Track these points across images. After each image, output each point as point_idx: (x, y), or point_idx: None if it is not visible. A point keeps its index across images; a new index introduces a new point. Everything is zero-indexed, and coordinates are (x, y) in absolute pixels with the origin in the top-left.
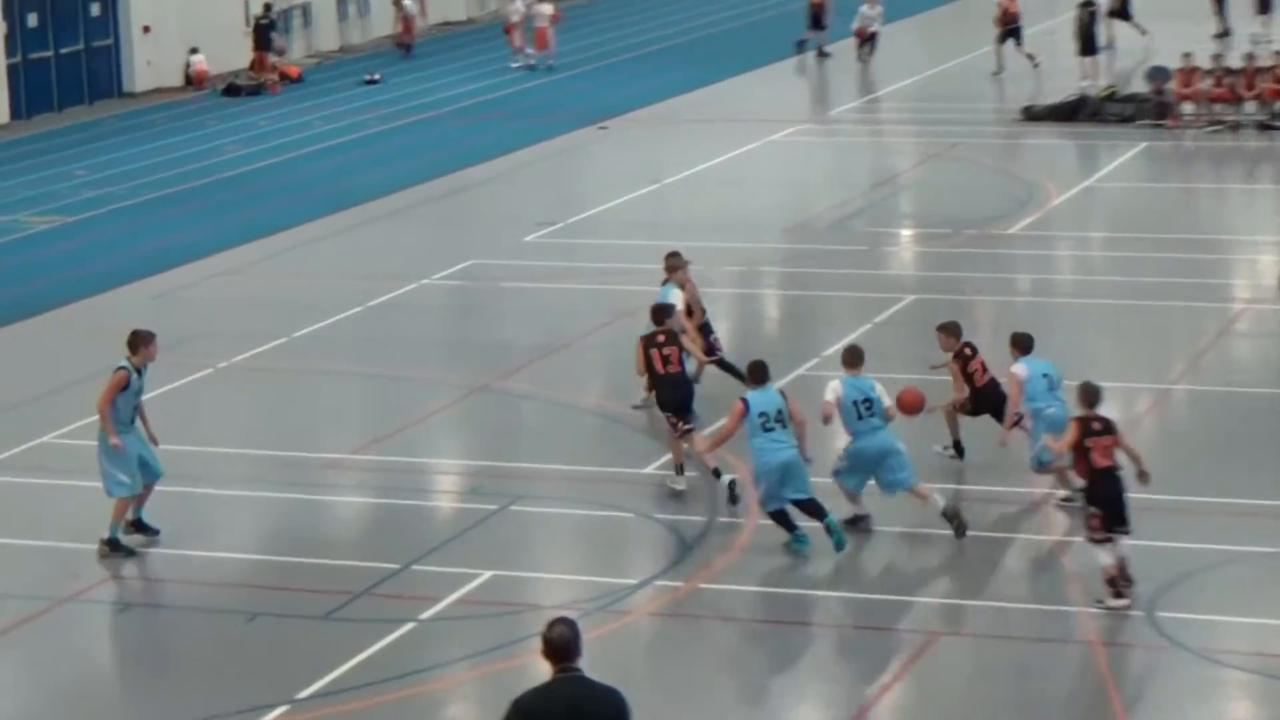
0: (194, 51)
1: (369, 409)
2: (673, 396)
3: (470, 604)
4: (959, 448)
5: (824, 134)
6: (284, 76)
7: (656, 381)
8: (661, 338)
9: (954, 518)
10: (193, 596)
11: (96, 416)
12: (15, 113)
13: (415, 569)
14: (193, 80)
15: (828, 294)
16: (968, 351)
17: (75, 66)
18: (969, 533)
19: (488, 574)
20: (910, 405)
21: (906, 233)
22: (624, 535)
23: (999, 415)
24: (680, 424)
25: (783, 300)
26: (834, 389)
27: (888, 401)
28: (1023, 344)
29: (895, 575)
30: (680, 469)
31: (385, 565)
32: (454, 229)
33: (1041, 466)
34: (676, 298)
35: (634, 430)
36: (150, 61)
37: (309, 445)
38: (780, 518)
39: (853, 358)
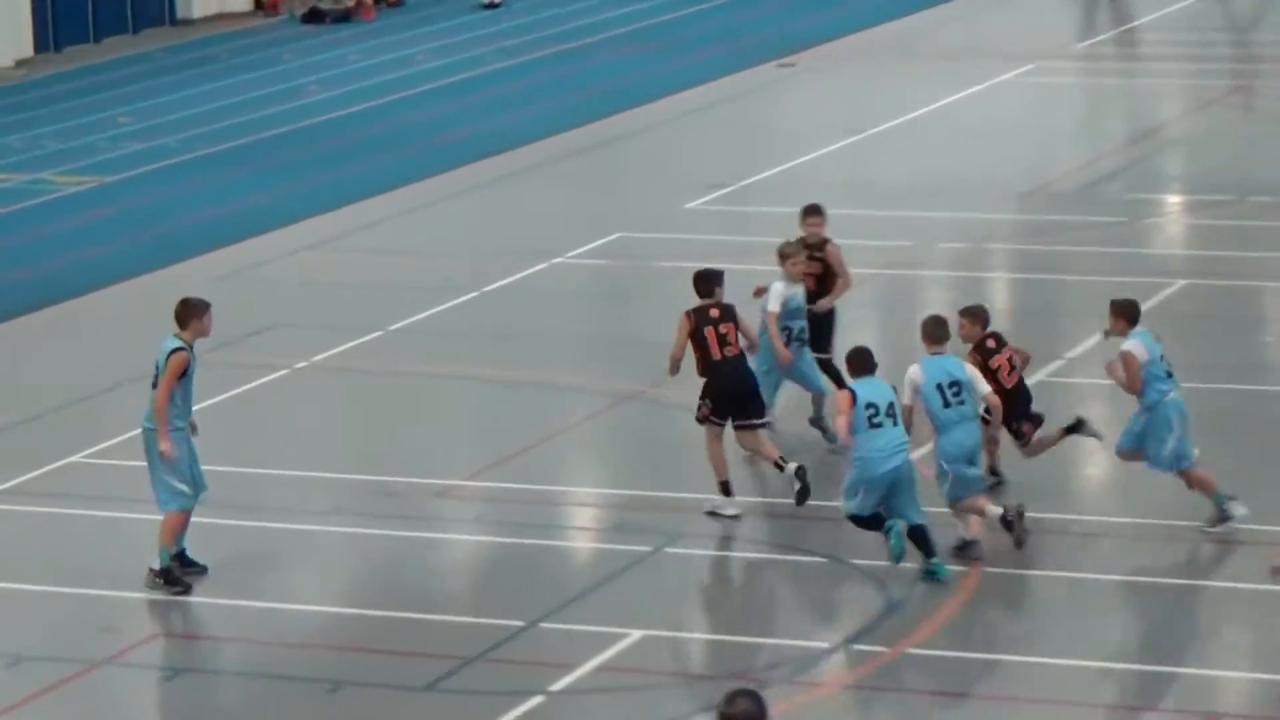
0: None
1: (488, 423)
2: (733, 387)
3: (615, 672)
4: (995, 473)
5: (1070, 73)
6: None
7: (709, 368)
8: (715, 312)
9: (1017, 520)
10: (259, 660)
11: (138, 431)
12: (41, 44)
13: (545, 627)
14: (264, 4)
15: (1073, 279)
16: (991, 344)
17: None
18: None
19: (637, 634)
20: None
21: (1174, 200)
22: (812, 585)
23: (1018, 425)
24: (743, 420)
25: (1016, 287)
26: (913, 379)
27: (984, 386)
28: (1129, 313)
29: (1164, 634)
30: (727, 488)
31: (506, 622)
32: (597, 193)
33: (1180, 464)
34: (777, 297)
35: (822, 450)
36: None
37: (411, 468)
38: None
39: (938, 330)
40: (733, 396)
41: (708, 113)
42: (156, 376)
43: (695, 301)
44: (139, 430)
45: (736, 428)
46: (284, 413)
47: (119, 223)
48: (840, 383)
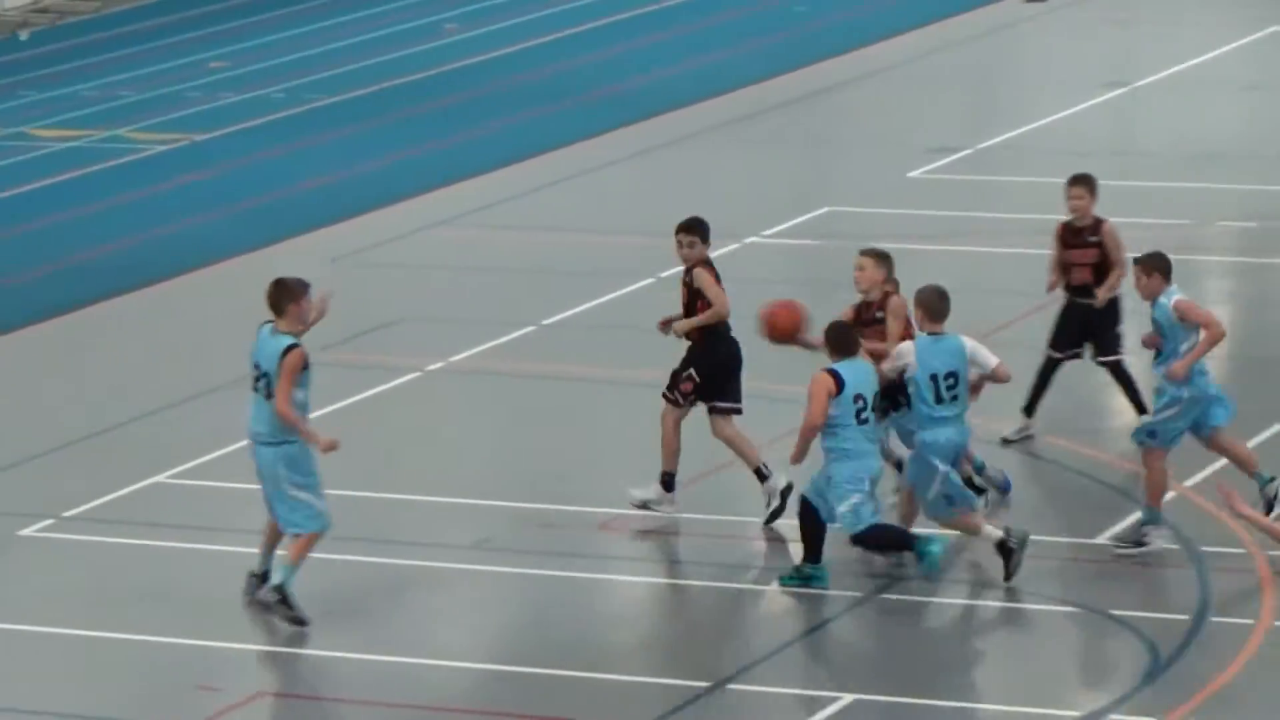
0: None
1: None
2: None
3: None
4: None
5: None
6: None
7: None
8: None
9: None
10: None
11: (238, 446)
12: None
13: (733, 689)
14: None
15: None
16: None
17: None
18: None
19: (848, 698)
20: (781, 327)
21: None
22: (1062, 639)
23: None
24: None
25: None
26: (907, 355)
27: (991, 358)
28: (1163, 267)
29: None
30: (671, 481)
31: (687, 683)
32: (800, 159)
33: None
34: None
35: (1080, 476)
36: None
37: (569, 494)
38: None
39: (941, 304)
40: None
41: (934, 60)
42: (261, 380)
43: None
44: (242, 444)
45: (714, 411)
46: (414, 425)
47: (212, 190)
48: (1134, 391)
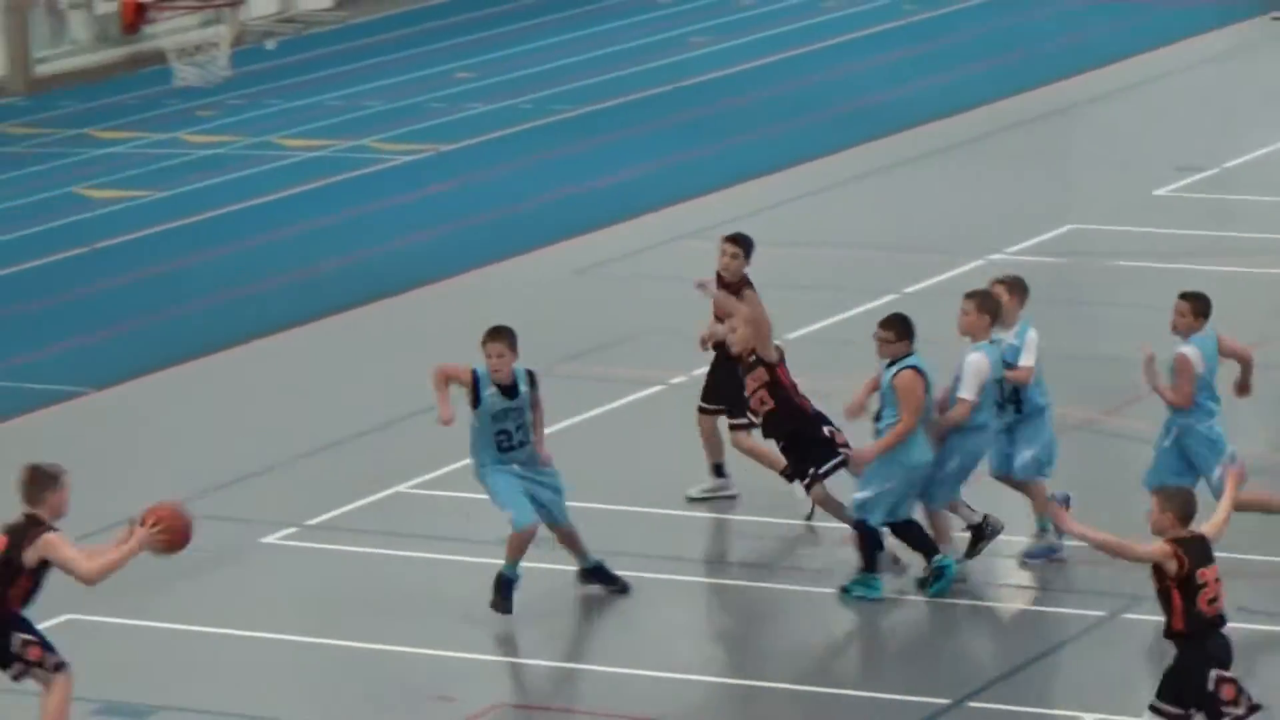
0: None
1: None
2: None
3: None
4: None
5: None
6: None
7: None
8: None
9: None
10: None
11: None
12: None
13: (973, 707)
14: None
15: None
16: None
17: None
18: None
19: (1089, 718)
20: None
21: None
22: None
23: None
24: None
25: None
26: (977, 366)
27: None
28: (1204, 308)
29: None
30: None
31: (925, 699)
32: (1042, 177)
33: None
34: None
35: None
36: None
37: (807, 508)
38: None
39: (999, 306)
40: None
41: (1181, 78)
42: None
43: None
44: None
45: (734, 428)
46: (655, 437)
47: (457, 201)
48: None
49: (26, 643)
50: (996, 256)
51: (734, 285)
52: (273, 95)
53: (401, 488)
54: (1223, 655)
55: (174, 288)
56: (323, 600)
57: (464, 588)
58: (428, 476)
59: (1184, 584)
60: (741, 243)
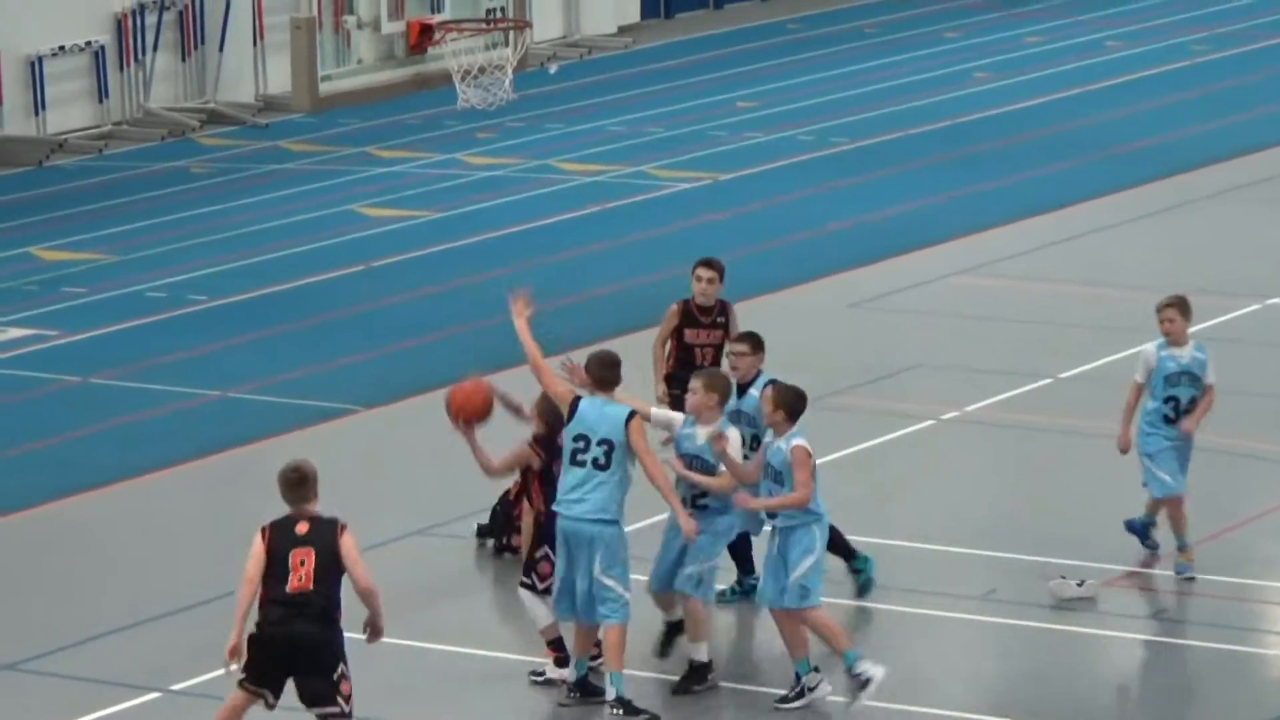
0: None
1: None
2: None
3: None
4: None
5: None
6: None
7: None
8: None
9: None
10: None
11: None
12: (650, 8)
13: None
14: None
15: None
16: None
17: None
18: None
19: None
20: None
21: None
22: None
23: None
24: None
25: None
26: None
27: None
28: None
29: None
30: None
31: None
32: None
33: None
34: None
35: None
36: None
37: (1076, 548)
38: None
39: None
40: None
41: None
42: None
43: None
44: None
45: None
46: (925, 472)
47: (732, 230)
48: None
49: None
50: (1275, 301)
51: (710, 309)
52: (553, 119)
53: None
54: None
55: (446, 309)
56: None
57: None
58: None
59: None
60: (716, 266)
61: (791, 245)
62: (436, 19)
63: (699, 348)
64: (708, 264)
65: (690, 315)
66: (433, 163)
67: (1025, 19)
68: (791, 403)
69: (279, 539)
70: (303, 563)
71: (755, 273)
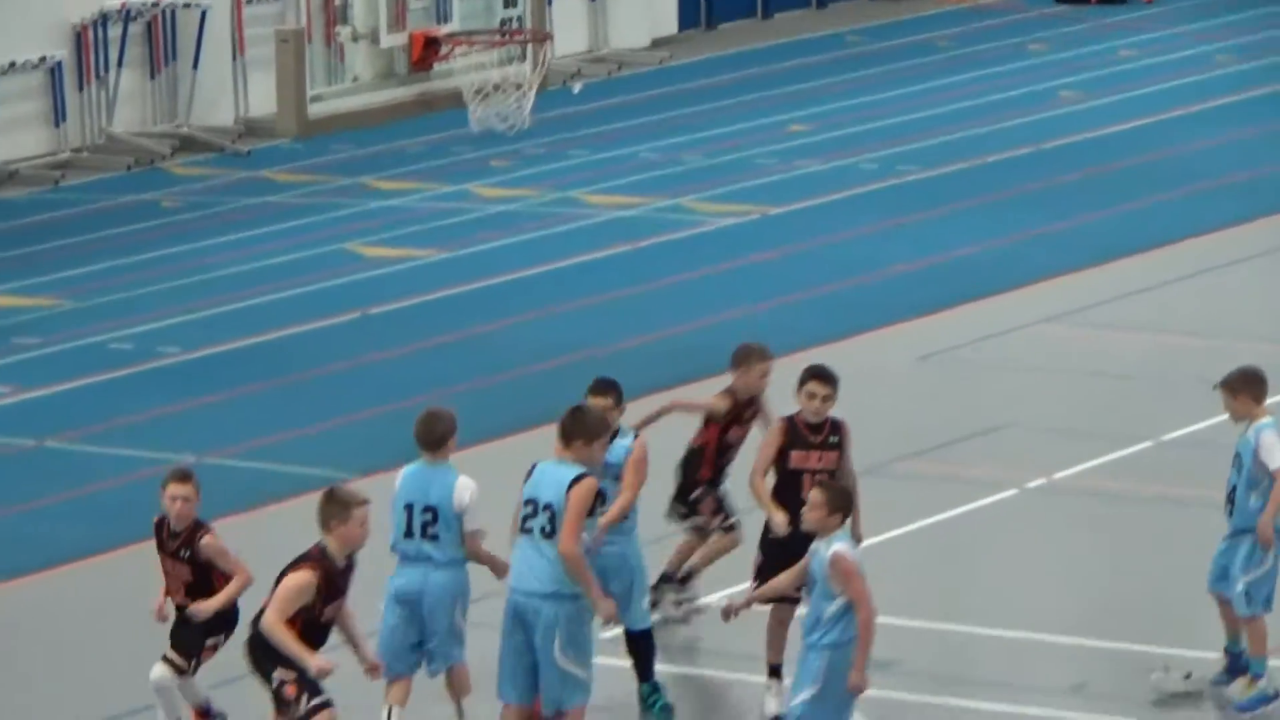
0: None
1: None
2: None
3: None
4: None
5: None
6: None
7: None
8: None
9: None
10: None
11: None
12: (688, 18)
13: None
14: None
15: None
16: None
17: None
18: None
19: None
20: None
21: None
22: None
23: None
24: None
25: None
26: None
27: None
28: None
29: None
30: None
31: None
32: None
33: None
34: None
35: None
36: None
37: (1178, 634)
38: None
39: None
40: None
41: None
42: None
43: None
44: None
45: None
46: (1008, 549)
47: (783, 272)
48: None
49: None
50: None
51: (820, 427)
52: (577, 145)
53: None
54: None
55: (453, 362)
56: None
57: None
58: None
59: None
60: (832, 380)
61: (852, 289)
62: (444, 31)
63: (808, 473)
64: (822, 378)
65: (797, 435)
66: (439, 195)
67: (1120, 29)
68: (846, 503)
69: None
70: None
71: (810, 321)
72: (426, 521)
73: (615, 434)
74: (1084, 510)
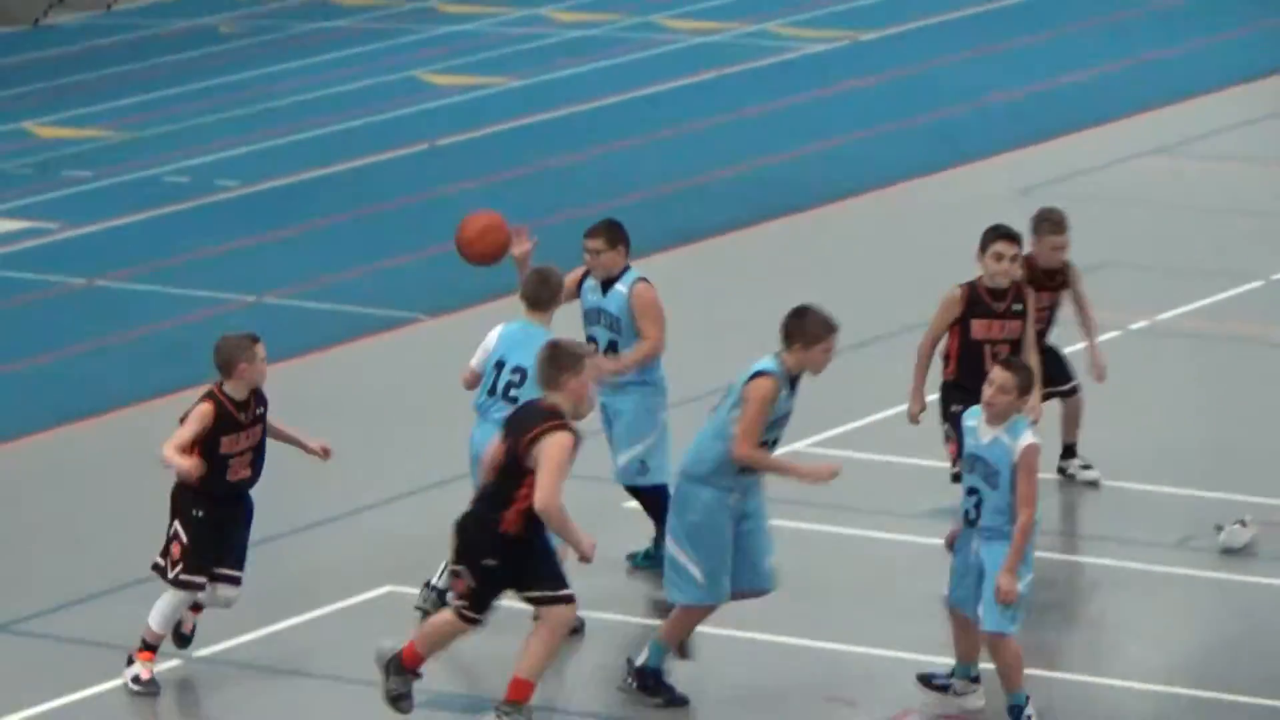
0: None
1: None
2: None
3: None
4: None
5: None
6: None
7: None
8: None
9: None
10: None
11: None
12: None
13: None
14: None
15: None
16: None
17: None
18: None
19: None
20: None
21: None
22: None
23: None
24: None
25: None
26: None
27: None
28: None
29: None
30: None
31: None
32: None
33: None
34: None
35: None
36: None
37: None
38: None
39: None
40: None
41: None
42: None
43: None
44: (892, 411)
45: None
46: (1109, 394)
47: (876, 101)
48: None
49: None
50: None
51: (1004, 293)
52: None
53: (796, 445)
54: None
55: (527, 196)
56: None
57: (862, 567)
58: (826, 435)
59: None
60: (1018, 239)
61: (948, 119)
62: None
63: (989, 344)
64: (1008, 237)
65: (979, 302)
66: (511, 19)
67: None
68: (1031, 382)
69: None
70: None
71: (904, 152)
72: (512, 382)
73: (616, 279)
74: (1191, 353)
